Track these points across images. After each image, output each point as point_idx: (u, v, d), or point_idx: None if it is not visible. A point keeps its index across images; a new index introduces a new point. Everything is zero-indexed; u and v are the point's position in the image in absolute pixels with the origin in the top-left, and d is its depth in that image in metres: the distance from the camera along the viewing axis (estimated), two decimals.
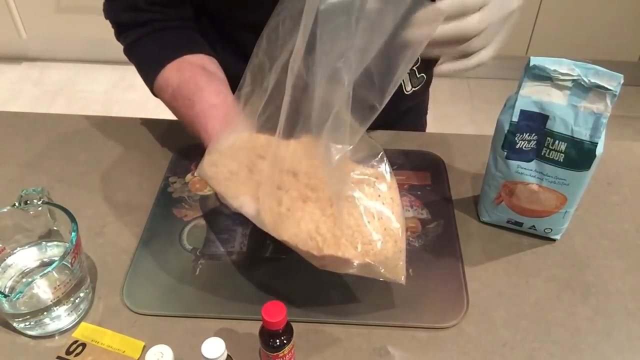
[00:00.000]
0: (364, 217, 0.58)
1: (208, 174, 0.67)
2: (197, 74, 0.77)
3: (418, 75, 0.94)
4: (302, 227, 0.59)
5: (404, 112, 0.99)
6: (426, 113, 1.10)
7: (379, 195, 0.59)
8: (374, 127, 0.92)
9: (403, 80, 0.93)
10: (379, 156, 0.60)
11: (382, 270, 0.59)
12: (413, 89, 0.95)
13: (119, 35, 0.84)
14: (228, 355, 0.57)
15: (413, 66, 0.92)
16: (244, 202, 0.63)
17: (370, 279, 0.70)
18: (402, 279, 0.61)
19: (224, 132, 0.68)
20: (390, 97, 0.54)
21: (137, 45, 0.82)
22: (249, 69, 0.63)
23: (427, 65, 0.94)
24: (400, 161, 0.86)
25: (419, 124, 1.09)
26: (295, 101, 0.57)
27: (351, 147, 0.56)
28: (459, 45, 0.60)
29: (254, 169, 0.64)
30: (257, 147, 0.65)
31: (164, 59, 0.79)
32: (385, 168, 0.60)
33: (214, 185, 0.67)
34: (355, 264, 0.58)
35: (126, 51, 0.84)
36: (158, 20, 0.81)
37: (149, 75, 0.81)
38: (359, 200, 0.58)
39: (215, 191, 0.68)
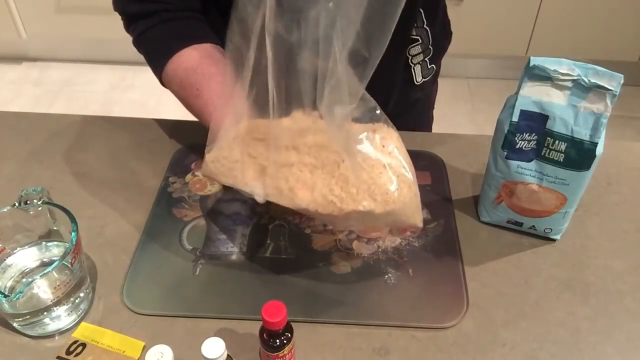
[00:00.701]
0: (375, 168, 0.60)
1: (213, 170, 0.67)
2: (204, 63, 0.78)
3: (429, 66, 0.95)
4: (316, 194, 0.60)
5: (413, 103, 1.00)
6: (433, 107, 1.10)
7: (383, 146, 0.61)
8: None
9: (414, 70, 0.94)
10: (376, 110, 0.62)
11: (403, 217, 0.61)
12: (423, 79, 0.96)
13: (128, 26, 0.84)
14: (228, 355, 0.57)
15: (425, 57, 0.93)
16: (254, 188, 0.64)
17: (370, 278, 0.70)
18: (420, 223, 0.64)
19: (217, 127, 0.69)
20: (384, 48, 0.54)
21: (145, 36, 0.82)
22: (227, 57, 0.63)
23: (437, 55, 0.95)
24: None
25: (426, 118, 1.10)
26: (281, 72, 0.58)
27: (353, 105, 0.57)
28: None
29: (254, 153, 0.65)
30: (252, 131, 0.65)
31: (171, 49, 0.79)
32: (383, 119, 0.62)
33: (221, 179, 0.67)
34: (377, 213, 0.59)
35: (135, 42, 0.85)
36: (165, 10, 0.81)
37: (157, 65, 0.81)
38: (368, 154, 0.60)
39: (224, 184, 0.68)
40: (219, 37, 0.83)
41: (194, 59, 0.78)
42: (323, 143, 0.61)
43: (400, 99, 0.95)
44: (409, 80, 0.95)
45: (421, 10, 0.88)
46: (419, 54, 0.92)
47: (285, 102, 0.60)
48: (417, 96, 1.00)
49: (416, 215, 0.63)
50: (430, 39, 0.91)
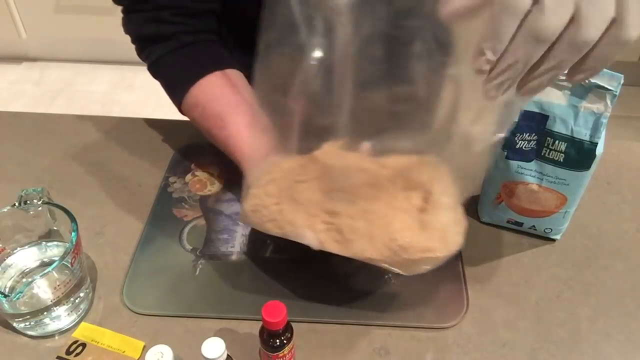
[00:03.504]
0: (444, 210, 0.58)
1: (254, 221, 0.63)
2: (228, 91, 0.75)
3: None
4: (376, 244, 0.57)
5: None
6: None
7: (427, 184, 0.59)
8: None
9: None
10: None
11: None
12: None
13: (142, 51, 0.80)
14: (228, 355, 0.57)
15: None
16: (307, 239, 0.60)
17: (370, 278, 0.70)
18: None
19: (251, 168, 0.66)
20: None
21: (163, 62, 0.78)
22: (258, 85, 0.60)
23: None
24: None
25: None
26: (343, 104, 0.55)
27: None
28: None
29: (297, 197, 0.60)
30: (289, 172, 0.62)
31: (192, 77, 0.76)
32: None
33: (266, 230, 0.62)
34: (441, 257, 0.58)
35: (151, 68, 0.80)
36: (183, 32, 0.77)
37: (177, 93, 0.77)
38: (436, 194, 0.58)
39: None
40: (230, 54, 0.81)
41: (217, 86, 0.75)
42: (374, 184, 0.58)
43: None
44: None
45: None
46: None
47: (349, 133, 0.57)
48: None
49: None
50: None
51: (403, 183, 0.59)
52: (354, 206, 0.58)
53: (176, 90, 0.78)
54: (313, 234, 0.59)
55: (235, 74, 0.77)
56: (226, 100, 0.74)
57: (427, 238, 0.57)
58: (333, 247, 0.59)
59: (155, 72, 0.80)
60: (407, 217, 0.57)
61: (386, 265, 0.58)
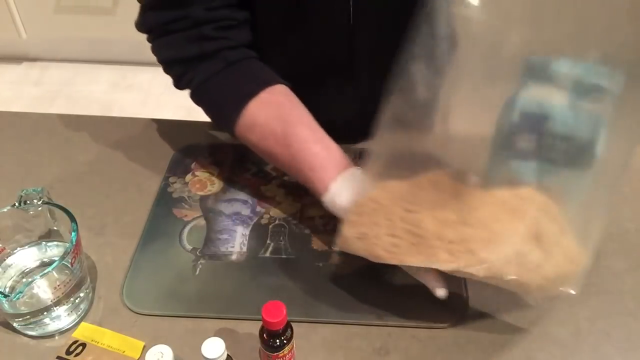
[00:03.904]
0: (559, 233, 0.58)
1: (359, 247, 0.61)
2: (285, 108, 0.72)
3: None
4: (512, 264, 0.55)
5: None
6: None
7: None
8: None
9: None
10: None
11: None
12: None
13: (182, 75, 0.75)
14: (228, 355, 0.57)
15: None
16: (432, 265, 0.58)
17: (371, 278, 0.70)
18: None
19: (346, 190, 0.65)
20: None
21: (210, 84, 0.74)
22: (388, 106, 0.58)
23: None
24: None
25: None
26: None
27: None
28: None
29: (415, 230, 0.58)
30: (396, 200, 0.60)
31: (245, 96, 0.72)
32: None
33: (377, 259, 0.60)
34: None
35: (196, 92, 0.75)
36: (227, 48, 0.73)
37: (229, 116, 0.73)
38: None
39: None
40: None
41: (272, 104, 0.72)
42: (492, 212, 0.57)
43: None
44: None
45: None
46: None
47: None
48: None
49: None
50: None
51: (520, 212, 0.59)
52: (480, 232, 0.57)
53: (228, 113, 0.73)
54: (440, 263, 0.57)
55: (285, 90, 0.74)
56: (285, 117, 0.71)
57: (557, 260, 0.57)
58: (467, 273, 0.56)
59: (201, 95, 0.75)
60: (531, 238, 0.57)
61: (523, 288, 0.57)
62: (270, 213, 0.78)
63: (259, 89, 0.72)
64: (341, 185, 0.67)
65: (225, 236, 0.75)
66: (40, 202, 0.67)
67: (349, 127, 0.89)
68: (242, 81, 0.74)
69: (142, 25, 0.75)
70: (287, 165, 0.72)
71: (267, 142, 0.71)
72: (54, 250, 0.70)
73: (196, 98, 0.76)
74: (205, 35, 0.72)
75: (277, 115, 0.71)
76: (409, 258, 0.58)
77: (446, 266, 0.56)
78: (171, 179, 0.83)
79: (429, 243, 0.57)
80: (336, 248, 0.65)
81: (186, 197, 0.81)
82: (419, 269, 0.62)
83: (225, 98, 0.74)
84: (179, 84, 0.77)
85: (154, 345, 0.58)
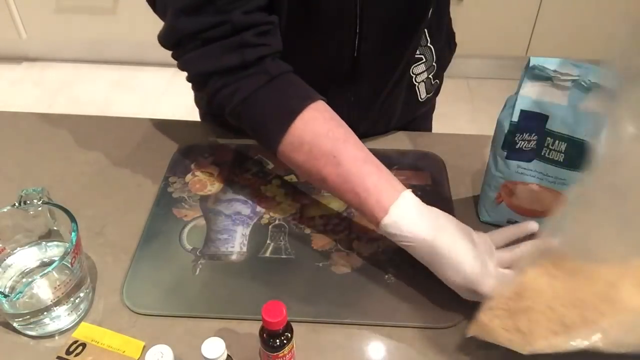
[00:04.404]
0: None
1: (504, 339, 0.59)
2: (332, 125, 0.68)
3: (433, 82, 0.93)
4: None
5: (415, 117, 0.98)
6: (433, 110, 1.09)
7: None
8: (383, 132, 0.92)
9: (418, 89, 0.91)
10: None
11: None
12: (427, 95, 0.94)
13: (222, 88, 0.69)
14: (228, 355, 0.57)
15: (429, 74, 0.91)
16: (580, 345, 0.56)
17: (370, 278, 0.70)
18: None
19: (409, 213, 0.63)
20: None
21: (254, 99, 0.68)
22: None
23: (441, 70, 0.94)
24: (401, 161, 0.86)
25: (428, 125, 1.08)
26: None
27: None
28: None
29: (567, 321, 0.57)
30: (542, 294, 0.58)
31: (291, 112, 0.67)
32: None
33: (521, 351, 0.58)
34: None
35: (238, 109, 0.69)
36: (268, 56, 0.68)
37: (276, 133, 0.67)
38: None
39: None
40: None
41: (319, 121, 0.67)
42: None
43: (403, 117, 0.93)
44: (413, 99, 0.92)
45: (425, 30, 0.85)
46: (422, 72, 0.89)
47: None
48: (420, 112, 0.98)
49: None
50: (434, 56, 0.89)
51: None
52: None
53: (273, 130, 0.68)
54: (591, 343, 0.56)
55: (326, 106, 0.70)
56: (333, 135, 0.67)
57: None
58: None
59: (243, 113, 0.69)
60: None
61: None
62: (270, 213, 0.78)
63: (304, 105, 0.67)
64: (404, 209, 0.64)
65: (225, 236, 0.75)
66: (40, 202, 0.67)
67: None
68: (286, 97, 0.69)
69: (171, 35, 0.68)
70: (337, 186, 0.67)
71: (317, 161, 0.67)
72: (54, 250, 0.70)
73: (237, 115, 0.70)
74: (246, 42, 0.66)
75: (325, 132, 0.67)
76: (563, 345, 0.57)
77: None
78: (171, 179, 0.83)
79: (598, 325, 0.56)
80: (470, 334, 0.62)
81: (186, 197, 0.81)
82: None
83: (270, 115, 0.68)
84: (215, 99, 0.70)
85: (154, 345, 0.58)
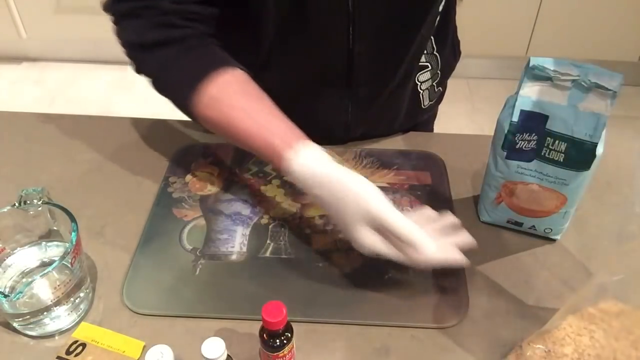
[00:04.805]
0: None
1: None
2: (246, 87, 0.72)
3: (436, 90, 0.93)
4: None
5: (417, 123, 0.98)
6: (435, 117, 1.09)
7: None
8: (385, 134, 0.92)
9: (422, 96, 0.92)
10: None
11: None
12: (430, 102, 0.94)
13: (145, 60, 0.75)
14: (228, 355, 0.57)
15: (433, 82, 0.91)
16: None
17: (370, 278, 0.70)
18: None
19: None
20: None
21: (171, 62, 0.73)
22: None
23: (445, 78, 0.94)
24: (400, 161, 0.86)
25: (428, 128, 1.08)
26: None
27: None
28: None
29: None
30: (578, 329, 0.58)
31: (203, 73, 0.71)
32: None
33: None
34: None
35: (157, 78, 0.75)
36: (192, 36, 0.74)
37: (191, 91, 0.71)
38: None
39: None
40: None
41: (234, 82, 0.72)
42: None
43: (406, 122, 0.93)
44: (416, 105, 0.92)
45: (432, 37, 0.85)
46: (427, 80, 0.90)
47: None
48: (422, 119, 0.98)
49: None
50: (440, 64, 0.89)
51: None
52: None
53: (189, 88, 0.72)
54: None
55: (244, 74, 0.74)
56: (247, 94, 0.71)
57: None
58: None
59: (160, 80, 0.75)
60: None
61: None
62: (270, 213, 0.78)
63: (221, 68, 0.72)
64: (313, 147, 0.66)
65: (225, 236, 0.75)
66: (40, 202, 0.67)
67: (347, 132, 0.90)
68: (201, 62, 0.73)
69: (109, 6, 0.76)
70: (244, 138, 0.70)
71: (227, 116, 0.70)
72: (54, 250, 0.70)
73: (157, 84, 0.75)
74: (172, 23, 0.73)
75: (239, 91, 0.71)
76: None
77: None
78: (171, 179, 0.83)
79: None
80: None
81: (186, 197, 0.81)
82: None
83: (184, 77, 0.73)
84: (139, 69, 0.76)
85: (154, 345, 0.58)
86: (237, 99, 0.71)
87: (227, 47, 0.77)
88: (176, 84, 0.74)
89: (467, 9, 2.08)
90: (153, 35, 0.73)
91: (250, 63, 0.76)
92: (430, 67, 0.88)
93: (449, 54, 0.92)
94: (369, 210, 0.62)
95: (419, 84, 0.89)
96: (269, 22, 0.76)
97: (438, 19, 0.82)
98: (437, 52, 0.87)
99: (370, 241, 0.63)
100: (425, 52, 0.86)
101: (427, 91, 0.92)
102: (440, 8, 0.81)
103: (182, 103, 0.74)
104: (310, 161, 0.65)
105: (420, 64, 0.87)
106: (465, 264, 0.64)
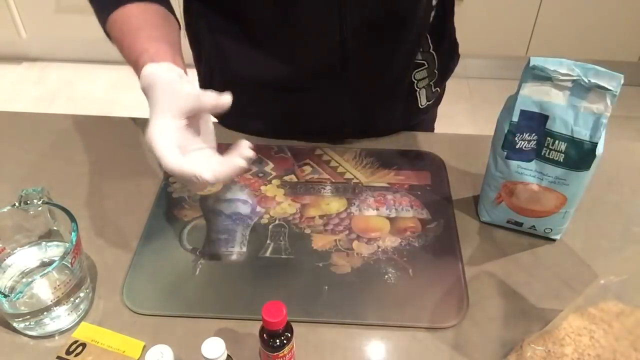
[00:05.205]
0: None
1: None
2: (149, 15, 0.75)
3: (433, 90, 0.93)
4: None
5: (416, 124, 0.98)
6: (434, 120, 1.09)
7: None
8: (382, 133, 0.92)
9: (419, 94, 0.92)
10: None
11: None
12: (427, 102, 0.94)
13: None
14: (228, 355, 0.57)
15: (430, 81, 0.91)
16: None
17: (370, 278, 0.70)
18: None
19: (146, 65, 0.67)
20: None
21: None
22: None
23: (443, 79, 0.93)
24: (400, 161, 0.86)
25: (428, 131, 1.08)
26: None
27: None
28: None
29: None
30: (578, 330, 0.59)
31: (124, 3, 0.76)
32: None
33: None
34: None
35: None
36: None
37: (108, 7, 0.77)
38: None
39: None
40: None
41: (141, 10, 0.76)
42: None
43: (403, 121, 0.93)
44: (413, 104, 0.92)
45: (428, 35, 0.85)
46: (424, 78, 0.90)
47: None
48: (420, 119, 0.97)
49: None
50: (437, 63, 0.89)
51: None
52: None
53: (107, 5, 0.77)
54: None
55: (160, 7, 0.77)
56: (144, 20, 0.75)
57: None
58: None
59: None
60: None
61: None
62: (270, 213, 0.78)
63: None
64: (168, 68, 0.67)
65: (225, 236, 0.75)
66: (40, 202, 0.67)
67: (342, 127, 0.90)
68: None
69: None
70: (128, 53, 0.73)
71: (120, 35, 0.75)
72: (54, 250, 0.70)
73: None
74: None
75: (137, 14, 0.75)
76: None
77: None
78: (171, 179, 0.83)
79: None
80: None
81: (186, 197, 0.81)
82: None
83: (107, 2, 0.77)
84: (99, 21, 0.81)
85: (154, 345, 0.58)
86: (132, 22, 0.75)
87: (221, 38, 0.79)
88: (99, 6, 0.79)
89: (467, 9, 2.08)
90: None
91: (243, 51, 0.76)
92: (426, 65, 0.88)
93: (447, 54, 0.91)
94: (151, 115, 0.69)
95: (415, 82, 0.89)
96: (260, 9, 0.77)
97: (433, 14, 0.82)
98: (433, 50, 0.88)
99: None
100: (421, 49, 0.86)
101: (424, 90, 0.92)
102: (435, 2, 0.81)
103: (100, 19, 0.79)
104: (157, 68, 0.67)
105: (416, 61, 0.87)
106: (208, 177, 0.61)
